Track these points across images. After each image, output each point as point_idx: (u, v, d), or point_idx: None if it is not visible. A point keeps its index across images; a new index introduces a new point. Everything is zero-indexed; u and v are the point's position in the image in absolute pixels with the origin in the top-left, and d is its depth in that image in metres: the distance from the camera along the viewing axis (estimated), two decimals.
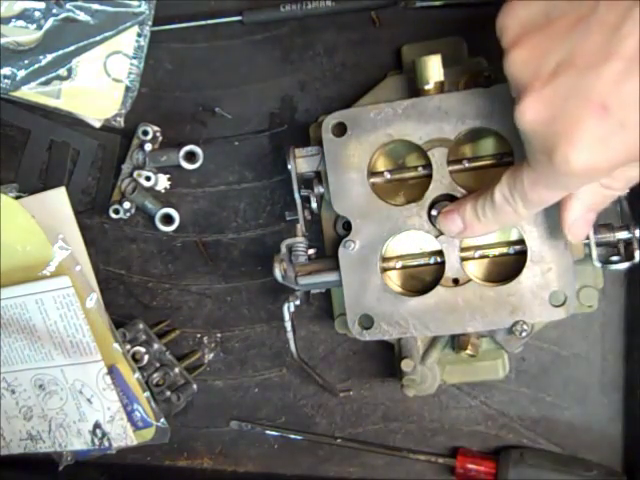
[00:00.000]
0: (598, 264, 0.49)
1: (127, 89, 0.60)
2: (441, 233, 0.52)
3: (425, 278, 0.55)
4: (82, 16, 0.58)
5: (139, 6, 0.58)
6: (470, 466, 0.61)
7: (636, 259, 0.49)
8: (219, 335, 0.66)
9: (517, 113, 0.39)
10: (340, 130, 0.53)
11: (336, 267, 0.54)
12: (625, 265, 0.49)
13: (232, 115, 0.63)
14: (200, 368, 0.66)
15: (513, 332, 0.51)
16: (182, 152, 0.62)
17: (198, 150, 0.63)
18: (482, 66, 0.54)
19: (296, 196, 0.56)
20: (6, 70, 0.59)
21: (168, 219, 0.64)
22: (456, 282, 0.53)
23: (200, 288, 0.66)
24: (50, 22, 0.58)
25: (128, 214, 0.64)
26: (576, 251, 0.50)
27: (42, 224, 0.61)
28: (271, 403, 0.66)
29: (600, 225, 0.50)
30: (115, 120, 0.61)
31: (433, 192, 0.52)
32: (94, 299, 0.61)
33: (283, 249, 0.55)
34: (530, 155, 0.41)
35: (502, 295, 0.51)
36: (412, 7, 0.58)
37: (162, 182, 0.64)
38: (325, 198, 0.55)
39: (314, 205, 0.56)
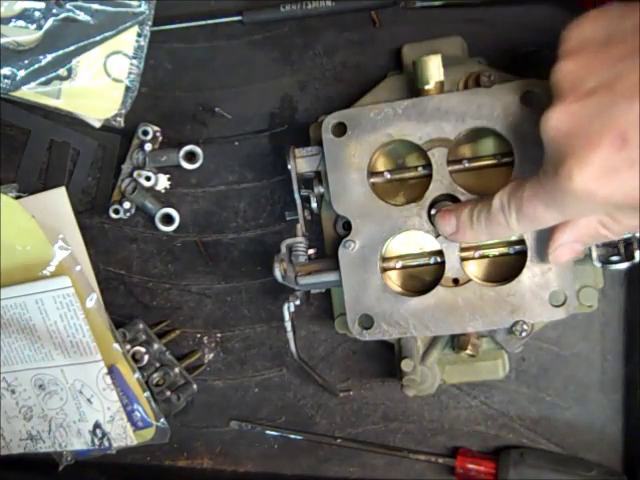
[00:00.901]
0: (598, 264, 0.49)
1: (127, 89, 0.60)
2: None
3: (425, 278, 0.55)
4: (82, 16, 0.58)
5: (139, 6, 0.58)
6: (470, 466, 0.61)
7: (636, 259, 0.48)
8: (219, 335, 0.66)
9: (543, 118, 0.40)
10: (340, 130, 0.53)
11: (336, 267, 0.54)
12: (625, 265, 0.49)
13: (232, 115, 0.63)
14: (200, 368, 0.66)
15: (513, 332, 0.51)
16: (182, 152, 0.62)
17: (198, 150, 0.63)
18: (482, 66, 0.54)
19: (296, 196, 0.56)
20: (6, 70, 0.59)
21: (168, 219, 0.64)
22: (456, 282, 0.53)
23: (200, 288, 0.66)
24: (50, 22, 0.58)
25: (128, 214, 0.64)
26: None
27: (42, 224, 0.61)
28: (271, 403, 0.66)
29: None
30: (115, 120, 0.61)
31: (433, 192, 0.52)
32: (94, 299, 0.61)
33: (283, 249, 0.55)
34: (545, 164, 0.41)
35: (502, 295, 0.51)
36: (412, 7, 0.58)
37: (162, 182, 0.64)
38: (325, 198, 0.55)
39: (314, 205, 0.56)
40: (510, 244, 0.52)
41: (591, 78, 0.38)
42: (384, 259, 0.54)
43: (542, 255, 0.49)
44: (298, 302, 0.56)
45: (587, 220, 0.43)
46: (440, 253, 0.53)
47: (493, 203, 0.45)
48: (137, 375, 0.62)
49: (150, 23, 0.59)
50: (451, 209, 0.50)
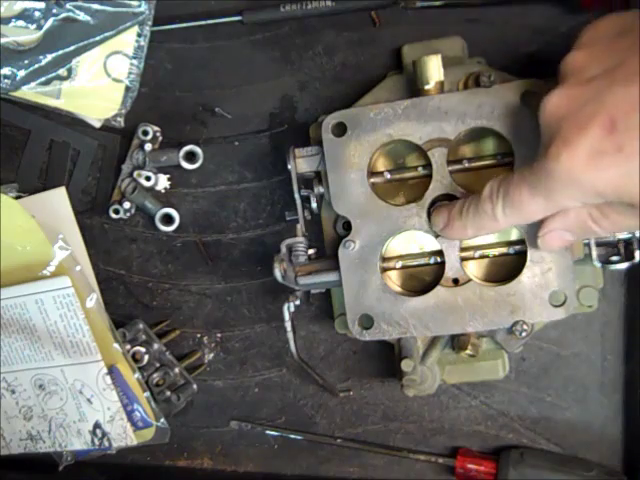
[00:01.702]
0: (598, 264, 0.49)
1: (127, 89, 0.60)
2: None
3: (425, 278, 0.55)
4: (82, 16, 0.58)
5: (139, 6, 0.58)
6: (470, 466, 0.61)
7: (636, 259, 0.49)
8: (219, 335, 0.66)
9: (543, 101, 0.40)
10: (340, 130, 0.53)
11: (336, 267, 0.54)
12: (625, 265, 0.49)
13: (232, 115, 0.63)
14: (200, 368, 0.66)
15: (513, 332, 0.51)
16: (182, 152, 0.62)
17: (198, 150, 0.63)
18: (482, 66, 0.54)
19: (296, 196, 0.56)
20: (6, 70, 0.59)
21: (168, 219, 0.64)
22: (456, 282, 0.53)
23: (200, 288, 0.66)
24: (50, 22, 0.58)
25: (128, 214, 0.64)
26: (576, 251, 0.50)
27: (42, 224, 0.61)
28: (271, 403, 0.66)
29: None
30: (115, 120, 0.61)
31: (433, 192, 0.52)
32: (94, 299, 0.61)
33: (283, 249, 0.55)
34: (539, 150, 0.41)
35: (502, 295, 0.51)
36: (412, 7, 0.58)
37: (162, 182, 0.64)
38: (325, 198, 0.55)
39: (314, 205, 0.56)
40: (510, 244, 0.52)
41: (595, 66, 0.39)
42: (384, 259, 0.54)
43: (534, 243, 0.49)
44: (298, 302, 0.56)
45: (577, 211, 0.42)
46: (440, 253, 0.53)
47: (483, 191, 0.45)
48: (137, 375, 0.62)
49: (150, 23, 0.59)
50: (446, 204, 0.50)
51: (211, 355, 0.67)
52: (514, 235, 0.52)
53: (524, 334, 0.51)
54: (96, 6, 0.58)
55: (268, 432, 0.66)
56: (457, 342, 0.55)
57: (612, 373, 0.60)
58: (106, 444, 0.63)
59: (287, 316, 0.56)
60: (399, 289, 0.54)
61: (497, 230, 0.48)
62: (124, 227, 0.66)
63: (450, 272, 0.52)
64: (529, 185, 0.41)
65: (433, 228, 0.51)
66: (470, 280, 0.52)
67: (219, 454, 0.68)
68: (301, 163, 0.55)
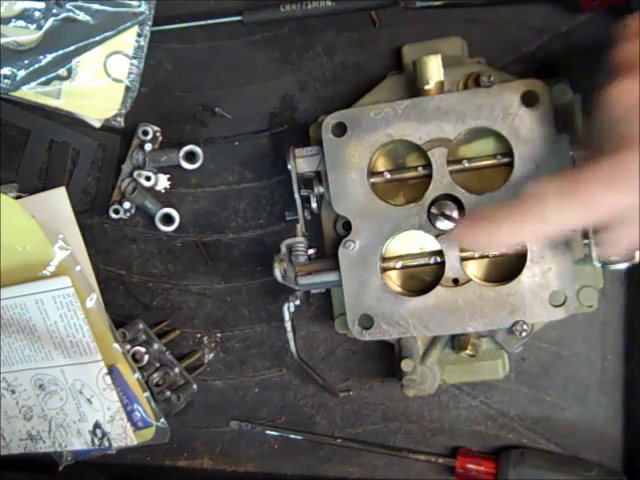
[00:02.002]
0: (598, 264, 0.49)
1: (127, 89, 0.60)
2: (441, 233, 0.52)
3: (425, 278, 0.55)
4: (82, 16, 0.58)
5: (139, 6, 0.58)
6: (470, 466, 0.61)
7: (636, 259, 0.49)
8: (219, 335, 0.66)
9: (607, 93, 0.38)
10: (340, 130, 0.53)
11: (336, 267, 0.54)
12: (625, 265, 0.49)
13: (232, 115, 0.63)
14: (200, 368, 0.66)
15: (513, 332, 0.51)
16: (182, 152, 0.62)
17: (198, 150, 0.63)
18: (482, 66, 0.54)
19: (296, 196, 0.56)
20: (6, 70, 0.59)
21: (168, 219, 0.64)
22: (456, 282, 0.53)
23: (200, 288, 0.66)
24: (50, 22, 0.58)
25: (128, 214, 0.64)
26: (576, 251, 0.50)
27: (42, 224, 0.60)
28: (271, 403, 0.66)
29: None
30: (115, 120, 0.61)
31: (433, 192, 0.52)
32: (94, 299, 0.61)
33: (283, 249, 0.55)
34: (604, 144, 0.39)
35: (502, 295, 0.51)
36: (412, 7, 0.58)
37: (162, 182, 0.64)
38: (325, 198, 0.55)
39: (314, 205, 0.56)
40: None
41: None
42: (384, 259, 0.54)
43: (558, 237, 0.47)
44: (298, 302, 0.56)
45: None
46: (440, 253, 0.53)
47: (527, 189, 0.41)
48: (137, 375, 0.62)
49: (150, 23, 0.59)
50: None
51: (211, 355, 0.67)
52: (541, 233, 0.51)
53: (524, 334, 0.51)
54: (96, 6, 0.58)
55: (268, 432, 0.66)
56: (457, 342, 0.55)
57: (612, 373, 0.60)
58: (106, 444, 0.63)
59: (287, 316, 0.56)
60: (399, 289, 0.55)
61: (536, 234, 0.44)
62: (124, 227, 0.66)
63: (450, 272, 0.52)
64: (599, 180, 0.38)
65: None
66: (470, 280, 0.52)
67: (219, 454, 0.68)
68: (301, 163, 0.55)
